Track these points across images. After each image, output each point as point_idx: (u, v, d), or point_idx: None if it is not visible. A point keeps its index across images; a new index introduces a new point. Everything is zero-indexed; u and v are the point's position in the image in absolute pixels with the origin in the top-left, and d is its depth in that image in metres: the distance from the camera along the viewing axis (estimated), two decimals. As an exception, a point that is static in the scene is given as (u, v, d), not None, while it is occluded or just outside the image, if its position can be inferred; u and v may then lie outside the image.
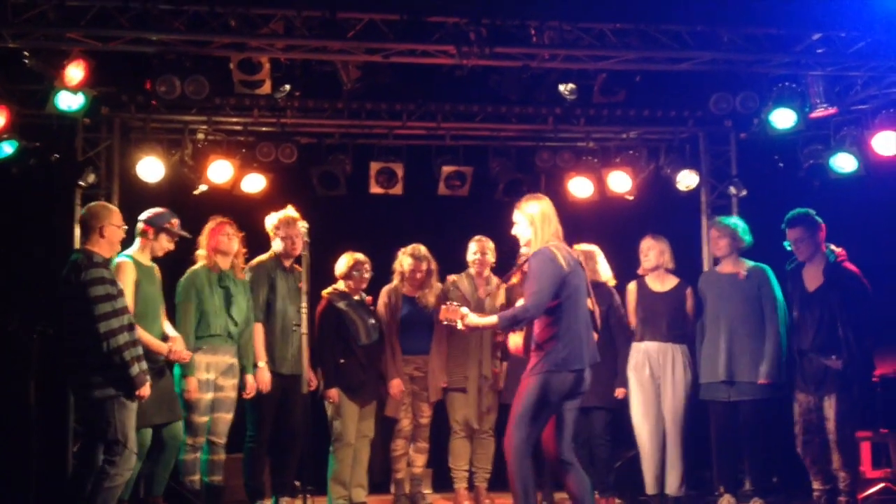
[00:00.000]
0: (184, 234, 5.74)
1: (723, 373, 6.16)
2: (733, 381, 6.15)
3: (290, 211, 6.23)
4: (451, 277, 6.72)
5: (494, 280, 6.75)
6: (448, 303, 5.10)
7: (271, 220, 6.25)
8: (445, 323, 4.97)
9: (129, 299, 5.26)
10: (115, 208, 5.34)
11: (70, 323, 4.92)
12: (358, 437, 6.28)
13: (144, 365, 5.00)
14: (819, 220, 6.01)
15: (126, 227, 5.24)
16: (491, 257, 6.70)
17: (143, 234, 5.60)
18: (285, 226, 6.18)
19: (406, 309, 6.51)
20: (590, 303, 4.95)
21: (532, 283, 4.79)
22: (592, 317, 4.94)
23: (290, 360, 6.09)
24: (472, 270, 6.72)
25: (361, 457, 6.34)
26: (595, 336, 4.94)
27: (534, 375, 4.78)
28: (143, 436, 5.41)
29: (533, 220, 4.94)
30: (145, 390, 4.95)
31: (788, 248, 6.05)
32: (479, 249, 6.69)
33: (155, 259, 5.68)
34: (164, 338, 5.53)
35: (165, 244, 5.66)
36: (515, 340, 5.06)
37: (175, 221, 5.68)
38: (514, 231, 5.05)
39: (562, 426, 4.85)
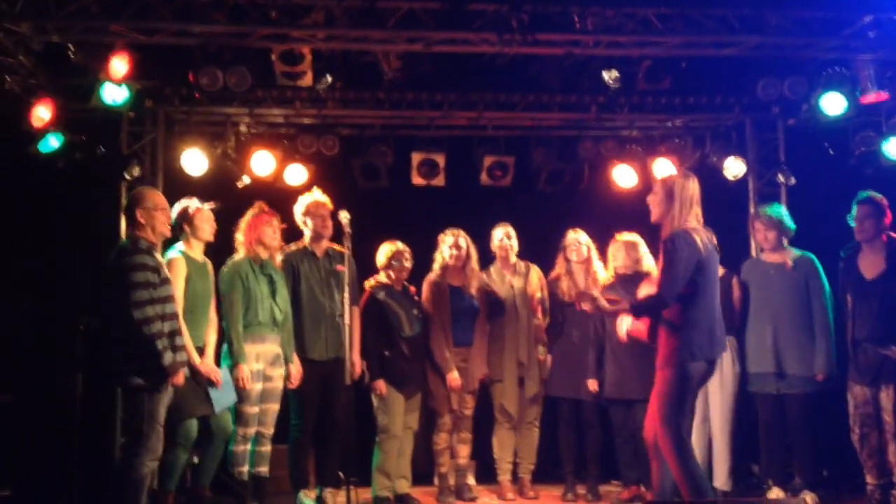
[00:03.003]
0: (210, 205, 5.69)
1: (771, 365, 6.05)
2: (782, 374, 6.04)
3: (315, 193, 6.22)
4: (482, 272, 6.66)
5: (523, 266, 6.70)
6: (592, 281, 4.98)
7: (299, 206, 6.23)
8: (578, 307, 4.88)
9: (178, 294, 5.28)
10: (151, 191, 5.31)
11: (108, 309, 4.93)
12: (402, 428, 6.26)
13: (183, 355, 5.01)
14: (887, 207, 5.84)
15: (168, 210, 5.20)
16: (514, 243, 6.64)
17: (181, 231, 5.61)
18: (314, 206, 6.16)
19: (453, 299, 6.46)
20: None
21: (667, 269, 4.63)
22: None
23: (322, 346, 6.05)
24: (498, 259, 6.67)
25: (405, 448, 6.32)
26: (723, 324, 4.79)
27: (670, 367, 4.64)
28: (188, 427, 5.42)
29: (672, 195, 4.72)
30: (178, 378, 4.95)
31: (852, 225, 5.90)
32: (501, 237, 6.63)
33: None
34: (200, 348, 5.49)
35: (205, 227, 5.60)
36: (638, 325, 4.91)
37: (193, 203, 5.62)
38: (649, 200, 4.86)
39: None
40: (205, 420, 5.50)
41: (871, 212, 5.83)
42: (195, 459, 5.76)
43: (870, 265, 5.84)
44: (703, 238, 4.69)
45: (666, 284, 4.63)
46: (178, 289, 5.33)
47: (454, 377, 6.31)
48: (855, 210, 5.87)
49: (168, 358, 4.87)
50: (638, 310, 4.84)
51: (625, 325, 5.04)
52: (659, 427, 4.66)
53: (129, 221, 5.10)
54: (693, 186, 4.76)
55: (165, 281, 5.01)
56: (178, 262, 5.44)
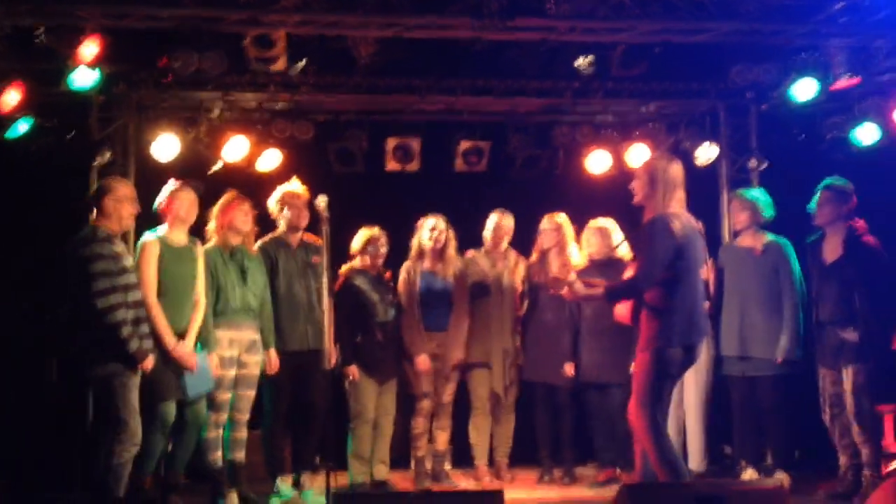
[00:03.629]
0: (195, 184, 5.68)
1: (736, 348, 6.12)
2: (747, 357, 6.12)
3: (291, 183, 6.20)
4: (470, 253, 6.69)
5: (513, 255, 6.72)
6: (554, 269, 5.01)
7: (274, 196, 6.21)
8: (553, 291, 4.91)
9: (149, 278, 5.27)
10: (119, 182, 5.31)
11: (73, 298, 4.95)
12: (380, 413, 6.26)
13: (149, 342, 5.02)
14: (851, 193, 5.91)
15: (136, 201, 5.20)
16: (508, 232, 6.66)
17: (163, 214, 5.58)
18: (290, 197, 6.15)
19: (425, 284, 6.46)
20: (703, 272, 4.82)
21: (644, 254, 4.65)
22: (706, 287, 4.80)
23: (300, 336, 6.05)
24: (488, 245, 6.68)
25: (384, 433, 6.33)
26: (706, 305, 4.79)
27: (650, 350, 4.65)
28: (165, 410, 5.38)
29: (655, 179, 4.72)
30: (147, 364, 4.96)
31: (811, 210, 5.98)
32: (496, 224, 6.64)
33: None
34: (183, 331, 5.46)
35: (183, 205, 5.56)
36: (621, 309, 4.89)
37: (176, 186, 5.60)
38: (632, 185, 4.86)
39: None
40: (179, 408, 5.48)
41: (829, 197, 5.93)
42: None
43: (831, 250, 5.95)
44: (684, 223, 4.68)
45: (642, 269, 4.64)
46: (150, 272, 5.31)
47: (421, 360, 6.32)
48: (816, 195, 5.96)
49: (134, 344, 4.91)
50: (612, 294, 4.83)
51: (618, 307, 4.97)
52: (635, 410, 4.70)
53: (94, 210, 5.09)
54: (676, 169, 4.78)
55: (126, 269, 5.02)
56: (150, 245, 5.43)
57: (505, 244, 6.72)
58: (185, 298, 5.51)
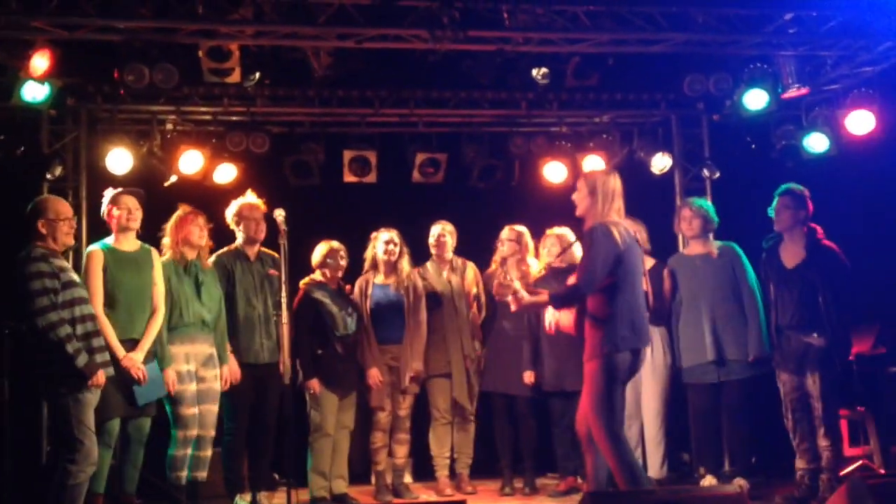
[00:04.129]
0: (134, 190, 5.61)
1: (711, 354, 6.15)
2: (722, 361, 6.15)
3: (248, 196, 6.16)
4: (416, 269, 6.66)
5: (459, 262, 6.74)
6: (504, 277, 5.05)
7: (231, 209, 6.17)
8: (498, 298, 4.92)
9: (95, 288, 5.23)
10: (54, 200, 5.16)
11: (21, 320, 4.89)
12: (337, 428, 6.22)
13: (101, 356, 4.92)
14: (808, 199, 5.99)
15: (73, 217, 5.10)
16: (451, 240, 6.68)
17: (108, 223, 5.53)
18: (247, 210, 6.10)
19: (378, 297, 6.44)
20: (644, 283, 4.89)
21: (585, 261, 4.72)
22: (646, 297, 4.88)
23: (256, 350, 6.00)
24: (433, 255, 6.70)
25: (341, 448, 6.28)
26: (647, 315, 4.86)
27: (596, 358, 4.69)
28: (110, 428, 5.31)
29: (594, 191, 4.82)
30: (98, 379, 4.87)
31: (771, 216, 6.05)
32: (438, 233, 6.66)
33: None
34: (137, 340, 5.39)
35: (123, 213, 5.48)
36: (566, 319, 4.93)
37: (114, 192, 5.55)
38: (574, 197, 4.95)
39: None
40: (122, 424, 5.40)
41: (788, 203, 5.98)
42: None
43: (791, 255, 5.98)
44: (622, 231, 4.77)
45: (583, 275, 4.72)
46: (96, 283, 5.26)
47: (372, 373, 6.30)
48: (775, 201, 6.04)
49: (82, 360, 4.80)
50: (556, 301, 4.89)
51: (549, 316, 5.04)
52: (591, 419, 4.71)
53: (31, 231, 4.98)
54: (614, 182, 4.89)
55: (70, 284, 4.92)
56: (94, 255, 5.38)
57: (450, 253, 6.73)
58: (137, 306, 5.43)
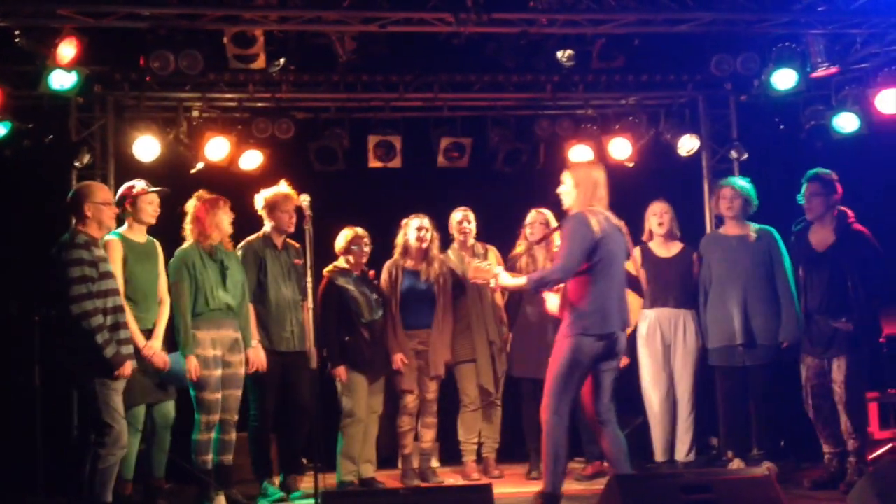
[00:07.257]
0: (157, 189, 5.69)
1: (739, 336, 6.11)
2: (751, 345, 6.10)
3: (282, 187, 6.17)
4: (441, 255, 6.66)
5: (481, 248, 6.72)
6: (481, 262, 5.16)
7: (262, 198, 6.18)
8: (477, 283, 5.10)
9: (119, 279, 5.26)
10: (98, 185, 5.32)
11: (55, 305, 4.97)
12: (367, 412, 6.24)
13: (126, 348, 5.01)
14: (837, 182, 5.90)
15: (114, 204, 5.22)
16: (472, 226, 6.66)
17: (124, 211, 5.59)
18: (283, 201, 6.11)
19: (407, 283, 6.45)
20: (633, 268, 4.97)
21: (562, 247, 4.92)
22: (637, 282, 5.00)
23: (287, 338, 6.05)
24: (455, 242, 6.69)
25: (370, 432, 6.32)
26: (641, 301, 4.97)
27: (565, 338, 4.91)
28: (135, 415, 5.42)
29: (578, 184, 5.02)
30: (125, 370, 4.95)
31: (801, 202, 5.97)
32: (460, 219, 6.65)
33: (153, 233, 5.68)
34: (150, 330, 5.49)
35: (148, 209, 5.62)
36: (553, 302, 5.13)
37: (139, 184, 5.64)
38: (559, 190, 5.14)
39: (599, 386, 4.99)
40: (147, 410, 5.51)
41: (818, 189, 5.90)
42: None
43: (820, 238, 5.90)
44: (601, 219, 4.90)
45: (560, 260, 4.91)
46: (116, 273, 5.31)
47: (397, 359, 6.31)
48: (804, 188, 5.95)
49: (111, 350, 4.88)
50: (534, 284, 5.03)
51: (550, 301, 5.20)
52: (545, 392, 4.94)
53: (75, 215, 5.07)
54: (597, 174, 5.07)
55: (106, 275, 5.01)
56: (114, 244, 5.45)
57: (472, 239, 6.71)
58: (151, 297, 5.58)
